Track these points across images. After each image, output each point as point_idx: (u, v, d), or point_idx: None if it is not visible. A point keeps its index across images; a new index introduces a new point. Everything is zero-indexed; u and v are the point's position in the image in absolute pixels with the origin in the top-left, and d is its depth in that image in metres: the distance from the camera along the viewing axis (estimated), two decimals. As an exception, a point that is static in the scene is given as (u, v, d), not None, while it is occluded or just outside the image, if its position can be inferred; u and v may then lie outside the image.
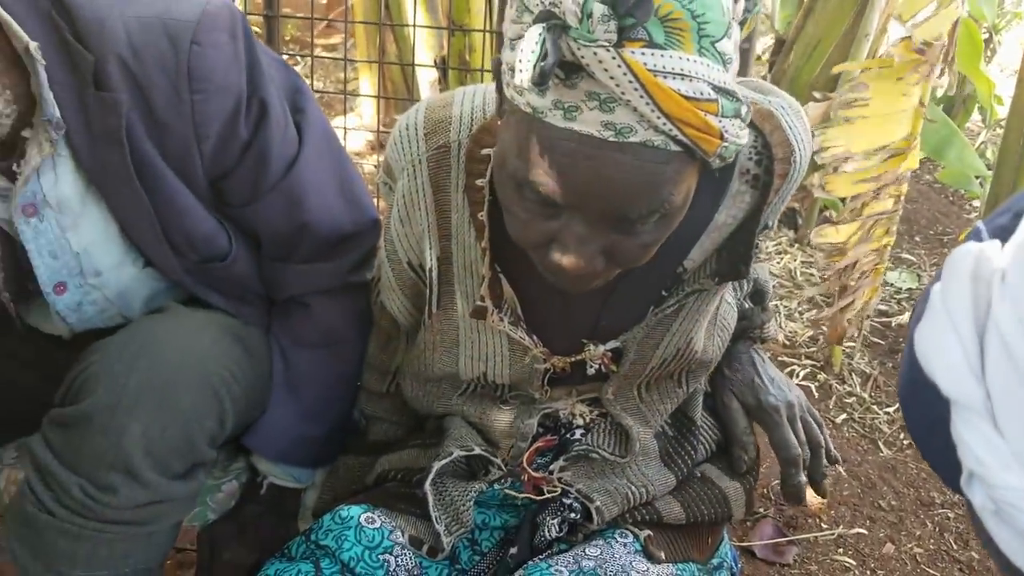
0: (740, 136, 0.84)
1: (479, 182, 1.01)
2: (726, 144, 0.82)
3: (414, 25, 2.25)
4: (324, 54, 4.11)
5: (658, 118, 0.77)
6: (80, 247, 1.11)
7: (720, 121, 0.80)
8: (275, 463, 1.28)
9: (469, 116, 1.04)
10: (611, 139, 0.78)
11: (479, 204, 1.03)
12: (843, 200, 2.31)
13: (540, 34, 0.75)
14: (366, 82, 3.66)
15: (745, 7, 0.83)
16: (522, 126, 0.82)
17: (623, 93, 0.76)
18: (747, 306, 1.27)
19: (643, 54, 0.75)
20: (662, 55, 0.76)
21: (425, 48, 3.30)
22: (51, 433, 1.04)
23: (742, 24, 0.83)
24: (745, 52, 1.35)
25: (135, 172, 1.05)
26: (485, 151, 1.00)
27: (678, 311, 1.09)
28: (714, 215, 1.04)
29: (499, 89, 0.88)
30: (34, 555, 1.05)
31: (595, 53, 0.75)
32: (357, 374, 1.32)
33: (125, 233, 1.12)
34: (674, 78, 0.76)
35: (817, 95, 2.40)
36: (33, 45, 0.98)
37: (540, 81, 0.76)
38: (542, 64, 0.75)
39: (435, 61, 2.96)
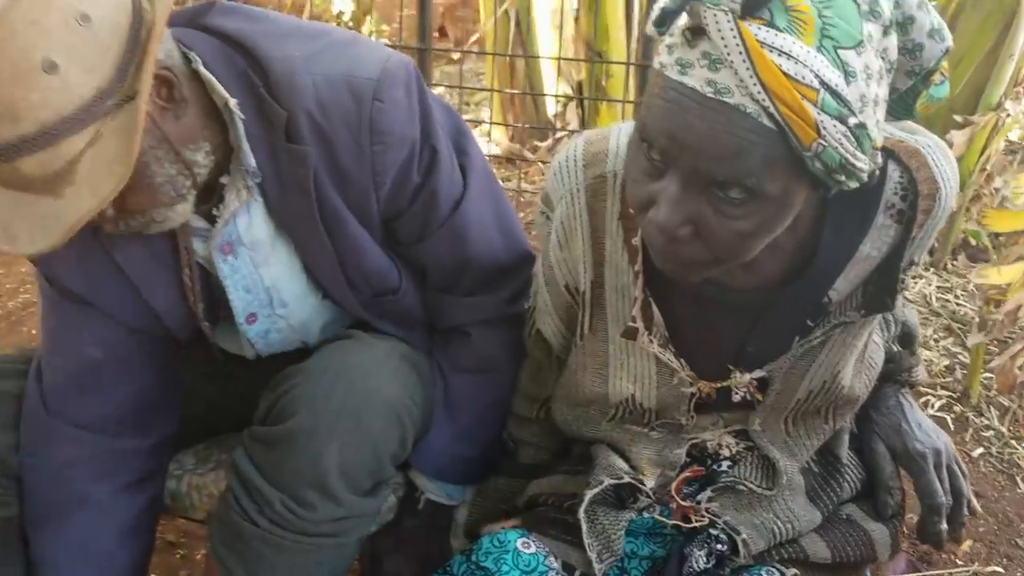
0: (846, 146, 0.85)
1: (632, 209, 1.07)
2: (823, 142, 0.84)
3: (559, 58, 2.31)
4: (449, 69, 4.21)
5: (755, 85, 0.83)
6: (270, 282, 1.23)
7: (818, 114, 0.83)
8: (433, 480, 1.36)
9: (624, 148, 1.10)
10: (710, 95, 0.85)
11: (633, 231, 1.11)
12: (996, 235, 2.24)
13: None
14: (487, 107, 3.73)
15: (923, 49, 0.87)
16: (652, 81, 0.92)
17: (728, 55, 0.83)
18: (895, 349, 1.28)
19: (759, 28, 0.82)
20: (776, 35, 0.82)
21: (555, 72, 3.36)
22: (254, 449, 1.15)
23: (931, 72, 0.87)
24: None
25: (320, 217, 1.15)
26: None
27: (824, 343, 1.12)
28: (859, 246, 1.07)
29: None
30: (239, 561, 1.16)
31: (715, 16, 0.83)
32: (508, 400, 1.40)
33: (308, 269, 1.23)
34: (780, 55, 0.82)
35: (958, 118, 2.35)
36: (233, 102, 1.08)
37: (660, 23, 0.88)
38: (666, 8, 0.87)
39: (572, 87, 3.02)
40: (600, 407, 1.24)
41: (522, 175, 3.47)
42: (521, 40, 3.54)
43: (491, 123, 3.43)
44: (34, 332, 2.83)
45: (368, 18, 5.05)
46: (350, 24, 5.05)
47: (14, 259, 3.06)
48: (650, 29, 0.91)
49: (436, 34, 3.23)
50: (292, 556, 1.14)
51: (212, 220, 1.16)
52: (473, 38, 4.17)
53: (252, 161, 1.11)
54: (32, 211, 0.94)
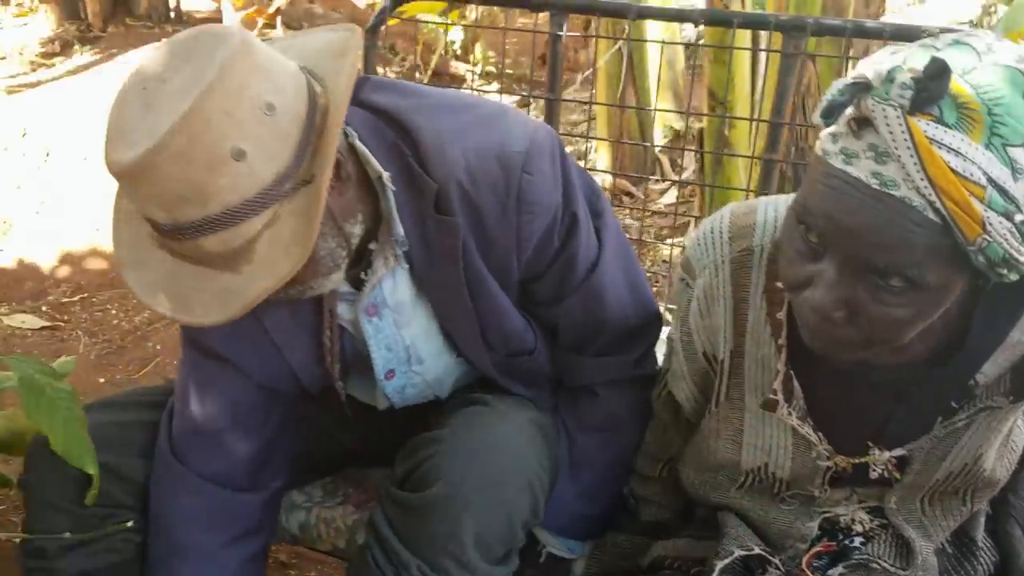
0: (1011, 242, 0.85)
1: (779, 283, 1.07)
2: (988, 237, 0.84)
3: (688, 112, 2.33)
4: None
5: (921, 179, 0.83)
6: (409, 341, 1.28)
7: (985, 210, 0.83)
8: (555, 536, 1.38)
9: (773, 223, 1.12)
10: (875, 187, 0.86)
11: (777, 304, 1.11)
12: None
13: (844, 84, 0.88)
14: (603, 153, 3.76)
15: None
16: (813, 166, 0.93)
17: (896, 149, 0.84)
18: (1041, 432, 1.25)
19: (927, 125, 0.83)
20: (945, 132, 0.83)
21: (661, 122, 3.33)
22: (392, 512, 1.19)
23: None
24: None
25: (465, 281, 1.19)
26: None
27: (968, 426, 1.11)
28: (1009, 332, 1.05)
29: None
30: None
31: (884, 110, 0.84)
32: (631, 459, 1.42)
33: (445, 330, 1.28)
34: (948, 151, 0.83)
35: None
36: (386, 175, 1.13)
37: (827, 114, 0.90)
38: (834, 101, 0.88)
39: (693, 136, 3.02)
40: (730, 474, 1.25)
41: (628, 212, 3.49)
42: (632, 78, 3.56)
43: (600, 171, 3.46)
44: (159, 347, 2.96)
45: (476, 47, 5.18)
46: (458, 51, 5.19)
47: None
48: (816, 119, 0.92)
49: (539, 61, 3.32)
50: None
51: (357, 284, 1.21)
52: (580, 77, 4.21)
53: (401, 230, 1.16)
54: (212, 285, 1.00)
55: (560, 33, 1.91)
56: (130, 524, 1.27)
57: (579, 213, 1.23)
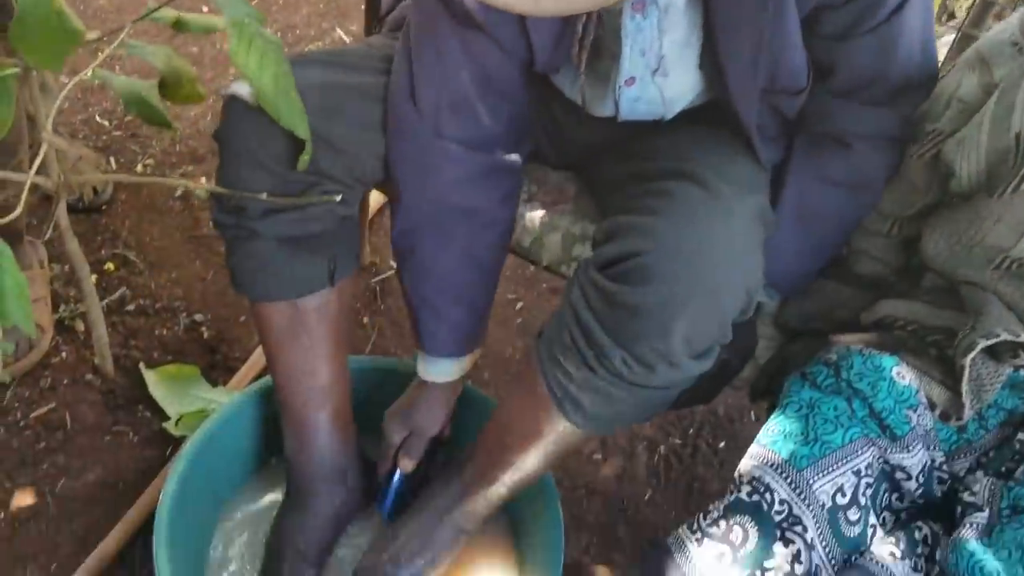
0: None
1: None
2: None
3: None
4: None
5: None
6: (666, 49, 1.13)
7: None
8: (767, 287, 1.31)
9: None
10: None
11: None
12: None
13: None
14: None
15: None
16: None
17: None
18: None
19: None
20: None
21: None
22: (594, 298, 1.09)
23: None
24: None
25: None
26: None
27: None
28: None
29: None
30: (563, 382, 1.15)
31: None
32: (861, 219, 1.30)
33: (707, 48, 1.12)
34: None
35: None
36: None
37: None
38: None
39: None
40: (990, 254, 1.13)
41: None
42: None
43: None
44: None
45: None
46: None
47: None
48: None
49: None
50: (619, 400, 1.13)
51: None
52: None
53: None
54: None
55: None
56: (339, 199, 1.20)
57: None
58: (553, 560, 1.40)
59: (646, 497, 1.80)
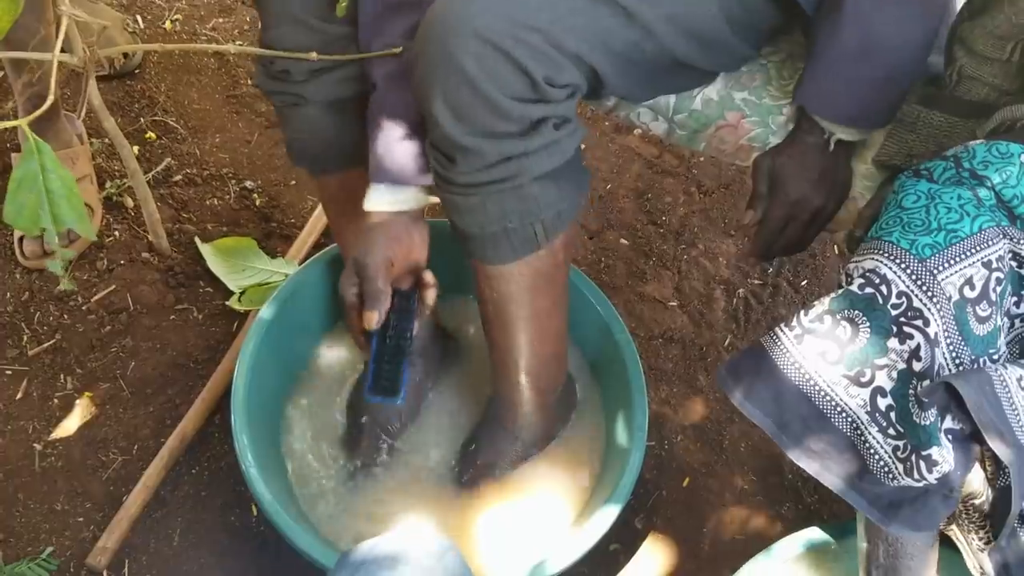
0: None
1: None
2: None
3: None
4: None
5: None
6: None
7: None
8: (838, 124, 1.18)
9: None
10: None
11: None
12: None
13: None
14: None
15: None
16: None
17: None
18: None
19: None
20: None
21: None
22: None
23: None
24: None
25: None
26: None
27: None
28: None
29: None
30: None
31: None
32: (938, 28, 1.15)
33: None
34: None
35: None
36: None
37: None
38: None
39: None
40: None
41: None
42: None
43: None
44: None
45: None
46: None
47: None
48: None
49: None
50: (473, 208, 1.08)
51: None
52: None
53: None
54: None
55: None
56: (398, 49, 1.08)
57: None
58: (637, 419, 1.37)
59: (726, 343, 1.74)
